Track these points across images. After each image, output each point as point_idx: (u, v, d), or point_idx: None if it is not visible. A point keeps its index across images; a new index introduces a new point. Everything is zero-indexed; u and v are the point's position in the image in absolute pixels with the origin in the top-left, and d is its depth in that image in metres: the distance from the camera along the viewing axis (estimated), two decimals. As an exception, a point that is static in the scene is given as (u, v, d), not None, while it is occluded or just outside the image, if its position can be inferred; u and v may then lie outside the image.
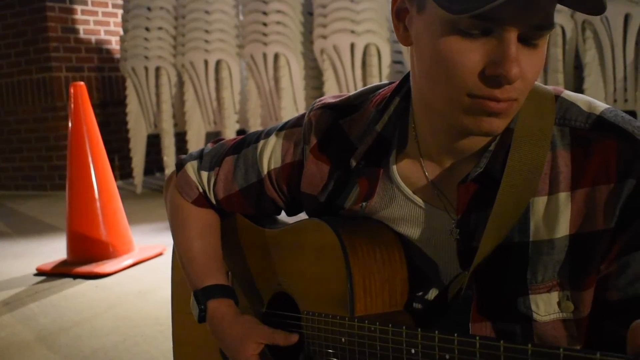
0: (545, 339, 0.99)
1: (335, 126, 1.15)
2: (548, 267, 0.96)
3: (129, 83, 5.72)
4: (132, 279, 3.14)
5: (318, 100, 1.21)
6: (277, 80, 5.05)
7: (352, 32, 4.63)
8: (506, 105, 0.88)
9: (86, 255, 3.38)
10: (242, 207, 1.30)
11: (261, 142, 1.25)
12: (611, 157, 0.92)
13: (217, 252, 1.32)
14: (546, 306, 0.97)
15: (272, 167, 1.23)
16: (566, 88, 3.86)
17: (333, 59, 4.78)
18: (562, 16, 4.13)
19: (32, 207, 5.68)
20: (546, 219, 0.96)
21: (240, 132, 5.38)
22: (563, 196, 0.95)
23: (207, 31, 5.27)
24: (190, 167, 1.33)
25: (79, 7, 6.40)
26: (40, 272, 3.37)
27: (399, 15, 0.96)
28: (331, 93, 4.81)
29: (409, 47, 0.98)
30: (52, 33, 6.16)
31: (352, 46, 4.66)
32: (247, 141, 1.28)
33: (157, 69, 5.58)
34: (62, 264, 3.41)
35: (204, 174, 1.31)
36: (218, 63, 5.32)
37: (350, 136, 1.13)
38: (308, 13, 5.02)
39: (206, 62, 5.32)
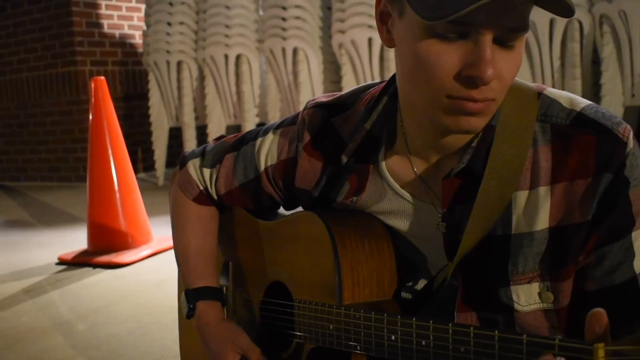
0: (527, 329, 1.03)
1: (327, 124, 1.20)
2: (528, 258, 1.00)
3: (151, 77, 5.82)
4: (149, 269, 3.23)
5: (312, 99, 1.26)
6: (295, 74, 5.10)
7: (370, 26, 4.66)
8: (483, 105, 0.93)
9: (106, 245, 3.48)
10: (242, 201, 1.36)
11: (259, 140, 1.30)
12: (590, 152, 0.96)
13: (212, 253, 1.38)
14: (527, 297, 1.02)
15: (269, 163, 1.28)
16: (583, 83, 3.85)
17: (351, 54, 4.82)
18: (579, 11, 4.12)
19: (57, 198, 5.81)
20: (527, 213, 1.00)
21: (259, 125, 5.44)
22: (543, 190, 0.98)
23: (227, 26, 5.34)
24: (192, 166, 1.38)
25: (103, 2, 6.51)
26: (61, 262, 3.47)
27: (382, 19, 1.01)
28: (349, 87, 4.84)
29: (394, 48, 1.02)
30: (76, 28, 6.28)
31: (370, 41, 4.70)
32: (246, 139, 1.34)
33: (179, 63, 5.66)
34: (83, 253, 3.50)
35: (207, 171, 1.36)
36: (238, 57, 5.39)
37: (341, 134, 1.18)
38: (327, 8, 5.06)
39: (226, 57, 5.39)
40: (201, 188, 1.37)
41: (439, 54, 0.90)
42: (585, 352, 0.72)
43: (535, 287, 1.01)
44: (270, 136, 1.29)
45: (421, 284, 1.20)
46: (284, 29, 5.05)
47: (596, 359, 0.71)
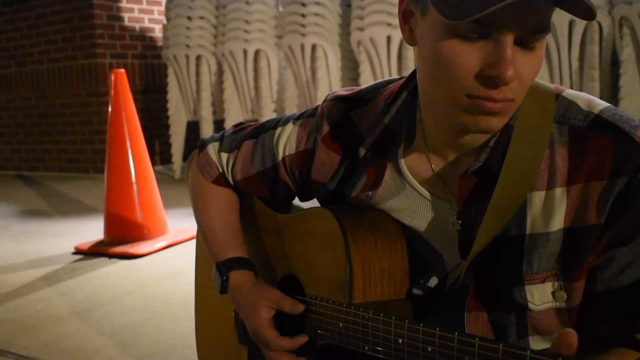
0: (539, 328, 1.05)
1: (346, 117, 1.21)
2: (543, 258, 1.01)
3: (170, 71, 5.86)
4: (164, 261, 3.26)
5: (331, 92, 1.28)
6: (314, 70, 5.12)
7: (389, 24, 4.67)
8: (503, 105, 0.93)
9: (122, 236, 3.52)
10: (258, 189, 1.37)
11: (279, 129, 1.32)
12: (606, 155, 0.97)
13: (236, 227, 1.39)
14: (540, 296, 1.02)
15: (287, 153, 1.29)
16: (602, 85, 3.85)
17: (369, 51, 4.83)
18: (599, 12, 4.10)
19: (74, 188, 5.87)
20: (543, 213, 1.00)
21: (276, 121, 5.46)
22: (559, 191, 0.99)
23: (247, 21, 5.36)
24: (212, 148, 1.40)
25: (124, -5, 6.57)
26: (78, 251, 3.51)
27: (405, 17, 1.02)
28: (367, 84, 4.84)
29: (415, 47, 1.03)
30: (97, 20, 6.34)
31: (389, 39, 4.70)
32: (265, 127, 1.35)
33: (198, 58, 5.70)
34: (99, 244, 3.55)
35: (224, 155, 1.38)
36: (257, 53, 5.41)
37: (359, 127, 1.19)
38: (346, 5, 5.08)
39: (245, 52, 5.41)
40: (220, 171, 1.39)
41: (461, 53, 0.91)
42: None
43: (549, 286, 1.02)
44: (290, 126, 1.30)
45: (433, 281, 1.21)
46: (303, 26, 5.07)
47: None
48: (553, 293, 1.02)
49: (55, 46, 6.67)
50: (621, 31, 4.10)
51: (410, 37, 1.02)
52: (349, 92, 1.24)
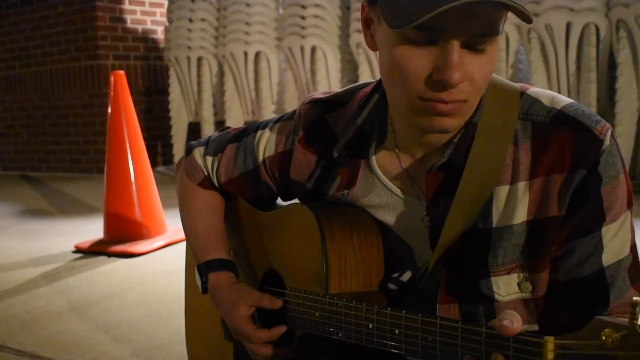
0: None
1: (322, 120, 1.26)
2: (508, 251, 1.05)
3: (171, 72, 5.92)
4: (162, 259, 3.31)
5: (309, 95, 1.32)
6: (313, 72, 5.17)
7: (387, 27, 4.71)
8: (454, 106, 0.98)
9: (121, 235, 3.57)
10: (241, 190, 1.42)
11: (259, 132, 1.37)
12: (567, 148, 1.01)
13: (219, 229, 1.44)
14: (506, 287, 1.07)
15: (267, 155, 1.34)
16: (599, 87, 3.90)
17: (368, 53, 4.87)
18: (596, 15, 4.15)
19: (77, 188, 5.93)
20: (507, 207, 1.05)
21: (276, 122, 5.51)
22: (522, 185, 1.03)
23: (247, 23, 5.42)
24: (197, 152, 1.46)
25: (127, -3, 6.63)
26: (78, 250, 3.57)
27: (367, 24, 1.07)
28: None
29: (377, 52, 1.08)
30: (100, 22, 6.40)
31: (387, 41, 4.74)
32: (247, 131, 1.41)
33: (199, 59, 5.76)
34: (99, 242, 3.60)
35: (209, 159, 1.43)
36: (257, 54, 5.47)
37: (335, 129, 1.24)
38: (345, 7, 5.12)
39: (246, 54, 5.47)
40: (205, 174, 1.44)
41: (411, 58, 0.95)
42: (537, 344, 0.78)
43: (514, 277, 1.06)
44: (269, 129, 1.36)
45: (407, 275, 1.25)
46: (303, 28, 5.12)
47: (545, 351, 0.76)
48: (519, 284, 1.06)
49: (58, 48, 6.73)
50: (618, 34, 4.14)
51: (371, 42, 1.07)
52: (326, 95, 1.29)
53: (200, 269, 1.39)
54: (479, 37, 0.93)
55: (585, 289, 1.03)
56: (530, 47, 4.38)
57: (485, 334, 0.85)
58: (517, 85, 1.11)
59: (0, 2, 7.13)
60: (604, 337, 0.70)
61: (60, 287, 2.92)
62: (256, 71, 5.54)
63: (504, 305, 1.07)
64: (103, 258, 3.40)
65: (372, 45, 1.07)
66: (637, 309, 0.69)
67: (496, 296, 1.07)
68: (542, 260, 1.05)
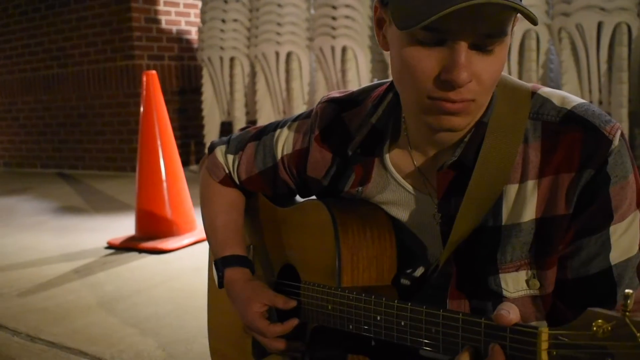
0: None
1: (338, 118, 1.29)
2: (516, 248, 1.07)
3: (204, 72, 6.00)
4: (191, 256, 3.38)
5: (326, 95, 1.36)
6: (344, 72, 5.20)
7: (417, 27, 4.71)
8: (462, 105, 1.00)
9: (152, 232, 3.64)
10: (261, 187, 1.46)
11: (278, 131, 1.40)
12: (576, 148, 1.02)
13: (237, 226, 1.48)
14: (515, 284, 1.08)
15: (285, 152, 1.38)
16: (630, 86, 3.84)
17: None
18: (628, 14, 4.10)
19: (111, 186, 6.04)
20: (516, 205, 1.06)
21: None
22: (531, 184, 1.05)
23: (279, 24, 5.47)
24: (219, 151, 1.50)
25: (161, -1, 6.73)
26: (110, 246, 3.65)
27: (379, 24, 1.09)
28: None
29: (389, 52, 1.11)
30: (135, 23, 6.51)
31: (417, 41, 4.75)
32: (267, 129, 1.44)
33: (232, 59, 5.83)
34: (130, 239, 3.67)
35: (230, 157, 1.47)
36: (289, 55, 5.51)
37: (350, 128, 1.27)
38: (376, 8, 5.14)
39: (277, 54, 5.52)
40: (226, 172, 1.48)
41: (420, 58, 0.98)
42: (531, 335, 0.80)
43: (522, 274, 1.08)
44: (287, 127, 1.39)
45: (420, 271, 1.27)
46: (333, 28, 5.15)
47: (540, 341, 0.79)
48: (527, 281, 1.08)
49: (95, 48, 6.86)
50: (650, 33, 4.10)
51: (384, 43, 1.09)
52: (342, 95, 1.32)
53: (217, 264, 1.43)
54: (486, 38, 0.95)
55: (592, 287, 1.04)
56: (561, 47, 4.34)
57: (485, 324, 0.87)
58: (529, 85, 1.12)
59: (39, 3, 7.30)
60: (595, 328, 0.72)
61: (91, 282, 2.99)
62: (287, 71, 5.58)
63: (512, 302, 1.09)
64: (134, 254, 3.47)
65: (384, 45, 1.09)
66: (628, 301, 0.71)
67: (504, 292, 1.09)
68: (550, 258, 1.06)
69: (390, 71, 1.13)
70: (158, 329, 2.34)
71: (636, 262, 1.04)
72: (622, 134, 1.03)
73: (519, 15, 0.98)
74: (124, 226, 4.04)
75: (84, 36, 6.94)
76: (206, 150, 1.58)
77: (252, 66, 5.80)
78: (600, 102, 4.30)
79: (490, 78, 1.00)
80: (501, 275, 1.09)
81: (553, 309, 1.08)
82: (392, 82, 1.22)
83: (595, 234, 1.03)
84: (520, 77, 4.45)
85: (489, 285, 1.10)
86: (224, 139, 1.53)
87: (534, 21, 0.93)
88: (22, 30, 7.57)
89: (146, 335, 2.29)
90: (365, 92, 1.30)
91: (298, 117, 1.40)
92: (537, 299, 1.09)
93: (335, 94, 1.34)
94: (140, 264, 3.28)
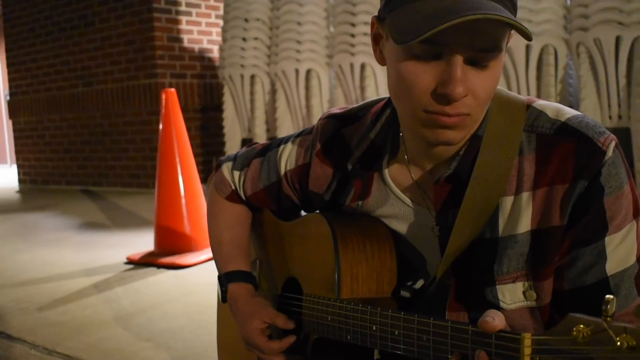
0: (514, 327, 1.10)
1: (338, 134, 1.31)
2: (512, 260, 1.08)
3: (225, 90, 6.06)
4: (208, 271, 3.41)
5: (327, 111, 1.38)
6: (363, 89, 5.22)
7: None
8: (457, 119, 1.01)
9: (170, 247, 3.69)
10: (266, 203, 1.48)
11: (281, 147, 1.43)
12: (569, 159, 1.03)
13: (243, 241, 1.50)
14: (512, 295, 1.09)
15: (288, 168, 1.40)
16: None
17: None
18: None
19: (134, 203, 6.11)
20: (512, 217, 1.07)
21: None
22: (526, 195, 1.06)
23: (298, 42, 5.52)
24: (226, 168, 1.52)
25: (184, 18, 6.82)
26: (129, 261, 3.69)
27: (376, 40, 1.11)
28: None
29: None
30: (158, 42, 6.60)
31: (435, 57, 4.76)
32: (271, 146, 1.47)
33: (252, 77, 5.88)
34: (149, 254, 3.72)
35: (236, 173, 1.50)
36: (308, 72, 5.55)
37: (350, 143, 1.29)
38: (394, 24, 5.16)
39: (297, 71, 5.56)
40: (233, 188, 1.51)
41: (416, 73, 0.99)
42: (515, 341, 0.81)
43: (519, 286, 1.08)
44: (290, 144, 1.41)
45: (420, 283, 1.28)
46: (352, 45, 5.18)
47: (522, 347, 0.80)
48: (524, 292, 1.08)
49: (118, 67, 6.97)
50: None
51: (380, 57, 1.11)
52: (342, 111, 1.34)
53: (221, 279, 1.45)
54: (481, 53, 0.97)
55: (589, 298, 1.04)
56: (579, 62, 4.33)
57: (472, 331, 0.88)
58: (524, 98, 1.13)
59: (65, 23, 7.44)
60: (575, 333, 0.73)
61: (108, 297, 3.03)
62: (307, 88, 5.62)
63: (510, 314, 1.09)
64: (152, 269, 3.51)
65: (381, 60, 1.11)
66: (608, 306, 0.72)
67: (501, 304, 1.09)
68: (546, 269, 1.06)
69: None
70: (172, 343, 2.37)
71: (634, 273, 1.04)
72: (616, 145, 1.04)
73: (513, 31, 0.99)
74: (144, 242, 4.09)
75: (108, 55, 7.05)
76: (214, 167, 1.61)
77: (272, 83, 5.85)
78: (620, 117, 4.27)
79: (485, 93, 1.01)
80: (498, 287, 1.09)
81: (551, 320, 1.08)
82: (390, 99, 1.23)
83: (591, 245, 1.03)
84: (538, 93, 4.44)
85: (486, 297, 1.11)
86: (231, 155, 1.56)
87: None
88: (48, 50, 7.72)
89: (159, 349, 2.31)
90: (364, 108, 1.32)
91: (301, 133, 1.42)
92: (534, 310, 1.09)
93: (335, 110, 1.36)
94: (158, 279, 3.32)
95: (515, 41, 4.58)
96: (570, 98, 4.60)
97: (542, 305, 1.09)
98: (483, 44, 0.96)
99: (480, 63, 0.98)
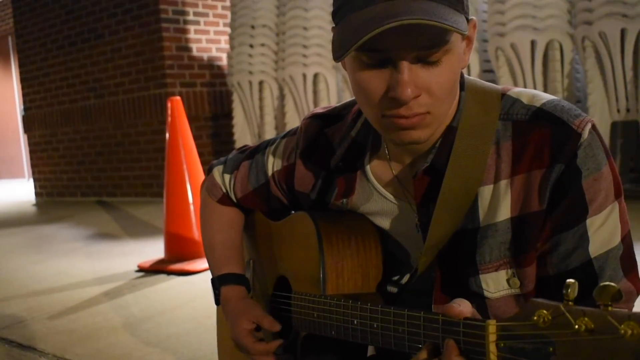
0: (499, 314, 1.10)
1: (321, 133, 1.32)
2: (494, 248, 1.08)
3: (234, 97, 6.10)
4: (216, 276, 3.42)
5: (311, 110, 1.40)
6: (370, 91, 5.23)
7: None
8: (416, 119, 1.02)
9: (180, 254, 3.72)
10: (256, 204, 1.50)
11: (268, 149, 1.45)
12: (545, 144, 1.03)
13: (235, 244, 1.52)
14: (495, 284, 1.09)
15: (275, 169, 1.42)
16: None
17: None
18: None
19: (146, 212, 6.16)
20: (491, 205, 1.08)
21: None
22: (504, 183, 1.06)
23: (305, 46, 5.54)
24: (217, 171, 1.54)
25: (192, 27, 6.87)
26: (140, 269, 3.73)
27: None
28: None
29: None
30: (167, 52, 6.65)
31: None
32: (259, 148, 1.49)
33: (260, 83, 5.91)
34: (160, 262, 3.75)
35: (227, 177, 1.52)
36: (316, 76, 5.58)
37: (332, 142, 1.30)
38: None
39: (304, 76, 5.59)
40: (224, 191, 1.52)
41: (368, 80, 1.02)
42: (480, 328, 0.82)
43: (502, 274, 1.08)
44: (277, 145, 1.43)
45: (406, 278, 1.29)
46: (358, 48, 5.19)
47: (487, 334, 0.80)
48: (508, 280, 1.08)
49: (129, 78, 7.03)
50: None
51: (345, 66, 1.13)
52: (325, 110, 1.36)
53: (214, 282, 1.47)
54: (427, 50, 0.97)
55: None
56: (585, 56, 4.31)
57: (442, 320, 0.89)
58: (499, 87, 1.14)
59: (75, 36, 7.53)
60: (536, 317, 0.73)
61: (119, 304, 3.06)
62: (315, 92, 5.64)
63: (495, 302, 1.10)
64: (162, 276, 3.54)
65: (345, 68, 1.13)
66: (568, 290, 0.72)
67: (486, 293, 1.10)
68: (528, 255, 1.06)
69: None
70: (178, 347, 2.39)
71: (618, 254, 1.04)
72: (592, 127, 1.04)
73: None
74: (155, 249, 4.12)
75: (118, 67, 7.12)
76: (205, 171, 1.63)
77: (281, 89, 5.88)
78: (628, 110, 4.24)
79: (440, 88, 1.02)
80: (481, 276, 1.10)
81: None
82: None
83: (572, 228, 1.03)
84: (545, 88, 4.42)
85: (471, 288, 1.11)
86: (222, 159, 1.58)
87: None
88: (60, 64, 7.81)
89: (166, 353, 2.33)
90: (347, 107, 1.34)
91: (286, 134, 1.44)
92: (519, 298, 1.09)
93: (319, 109, 1.38)
94: (168, 286, 3.35)
95: (521, 38, 4.58)
96: (577, 93, 4.58)
97: (526, 292, 1.09)
98: (424, 42, 0.97)
99: (428, 59, 0.99)
